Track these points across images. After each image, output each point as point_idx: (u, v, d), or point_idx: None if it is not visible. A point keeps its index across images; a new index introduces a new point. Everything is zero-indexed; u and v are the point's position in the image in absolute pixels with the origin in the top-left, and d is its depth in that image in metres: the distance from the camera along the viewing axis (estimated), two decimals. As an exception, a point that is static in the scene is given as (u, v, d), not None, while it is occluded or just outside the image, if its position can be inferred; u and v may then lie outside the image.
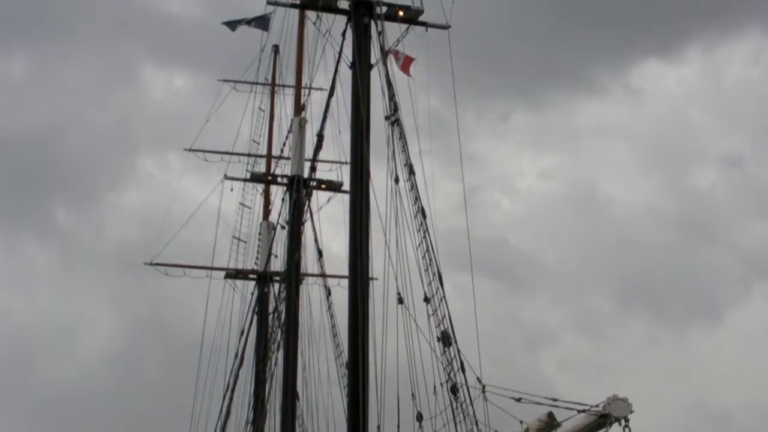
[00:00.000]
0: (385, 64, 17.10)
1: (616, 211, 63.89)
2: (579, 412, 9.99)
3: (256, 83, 34.79)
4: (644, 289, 60.14)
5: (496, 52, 58.89)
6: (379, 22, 17.23)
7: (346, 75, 17.59)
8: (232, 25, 29.83)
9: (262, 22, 29.37)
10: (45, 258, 64.58)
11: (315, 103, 24.64)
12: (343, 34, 17.64)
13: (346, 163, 27.12)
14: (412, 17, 17.71)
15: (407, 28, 17.76)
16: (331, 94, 18.09)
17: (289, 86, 32.46)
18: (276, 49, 35.25)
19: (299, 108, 26.19)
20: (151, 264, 31.97)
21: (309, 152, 23.94)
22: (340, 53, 17.55)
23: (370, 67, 17.01)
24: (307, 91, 25.61)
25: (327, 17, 17.90)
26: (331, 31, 17.91)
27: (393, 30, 17.68)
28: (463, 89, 17.02)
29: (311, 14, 18.50)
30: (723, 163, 65.42)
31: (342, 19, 17.65)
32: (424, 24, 17.79)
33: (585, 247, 62.93)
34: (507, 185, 65.79)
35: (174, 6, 73.81)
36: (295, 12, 26.49)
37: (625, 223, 63.00)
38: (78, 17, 70.57)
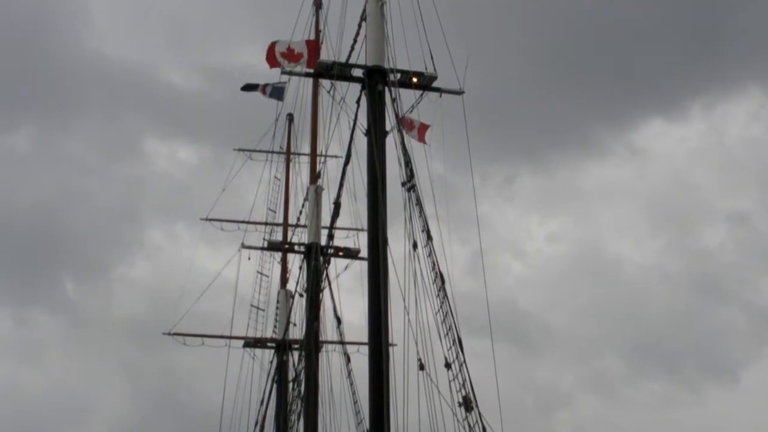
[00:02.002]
0: (400, 131, 17.21)
1: (625, 271, 63.94)
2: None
3: (272, 152, 35.22)
4: (657, 349, 59.74)
5: (500, 115, 59.73)
6: (393, 89, 17.39)
7: (361, 142, 17.81)
8: (250, 89, 30.23)
9: (276, 92, 29.84)
10: (54, 331, 65.00)
11: (331, 170, 24.88)
12: (358, 102, 17.79)
13: (362, 230, 27.30)
14: (426, 83, 17.90)
15: (421, 95, 17.95)
16: (346, 162, 18.18)
17: (305, 154, 32.92)
18: (290, 117, 35.62)
19: (315, 176, 26.41)
20: (169, 334, 31.91)
21: (325, 220, 24.06)
22: (354, 121, 17.68)
23: (385, 134, 17.13)
24: (322, 159, 25.79)
25: (341, 85, 18.13)
26: (346, 99, 18.13)
27: (407, 95, 17.95)
28: (465, 153, 17.26)
29: (325, 83, 18.56)
30: (730, 221, 65.61)
31: (356, 87, 17.85)
32: (438, 90, 17.96)
33: (595, 308, 62.94)
34: (515, 248, 66.08)
35: (175, 78, 75.49)
36: (309, 81, 27.03)
37: (634, 283, 63.07)
38: (80, 91, 72.24)
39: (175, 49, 75.08)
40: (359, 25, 18.24)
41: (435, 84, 18.05)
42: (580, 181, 69.75)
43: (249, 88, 29.90)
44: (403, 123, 17.71)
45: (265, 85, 30.08)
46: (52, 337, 63.73)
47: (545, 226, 69.90)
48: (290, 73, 18.84)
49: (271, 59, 18.53)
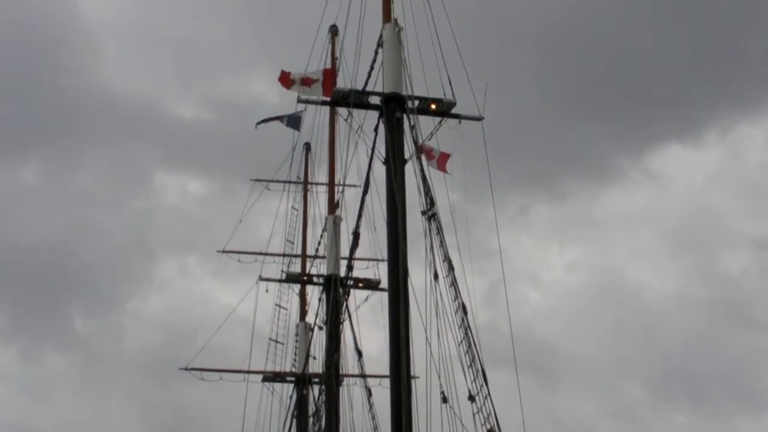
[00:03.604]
0: (419, 158, 17.13)
1: (646, 298, 63.32)
2: None
3: (289, 182, 35.09)
4: (682, 378, 59.02)
5: (514, 142, 59.65)
6: (411, 116, 17.35)
7: (379, 171, 17.76)
8: (265, 122, 30.19)
9: (293, 121, 29.74)
10: (65, 367, 64.40)
11: (349, 200, 24.75)
12: (376, 130, 17.75)
13: (382, 260, 27.06)
14: (444, 110, 17.84)
15: (440, 121, 17.88)
16: (365, 191, 18.09)
17: (322, 184, 32.80)
18: (307, 147, 35.56)
19: (333, 206, 26.33)
20: (186, 369, 31.75)
21: (344, 251, 23.83)
22: (373, 149, 17.63)
23: (404, 161, 17.04)
24: (340, 188, 25.67)
25: (359, 113, 18.13)
26: (363, 127, 18.12)
27: (425, 123, 17.91)
28: (482, 181, 17.20)
29: (342, 111, 18.54)
30: (753, 246, 64.90)
31: (374, 115, 17.82)
32: (457, 116, 17.89)
33: (616, 336, 62.32)
34: (533, 278, 65.62)
35: (185, 109, 75.93)
36: (326, 109, 27.02)
37: (655, 310, 62.42)
38: (89, 124, 72.49)
39: (185, 81, 75.69)
40: (376, 52, 18.24)
41: (454, 110, 18.00)
42: (597, 208, 69.49)
43: (263, 122, 29.86)
44: (421, 151, 17.58)
45: (282, 117, 30.06)
46: (62, 374, 63.48)
47: (563, 256, 69.56)
48: (307, 102, 18.82)
49: (285, 80, 18.49)
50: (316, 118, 28.60)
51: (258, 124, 29.54)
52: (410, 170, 17.25)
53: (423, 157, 17.43)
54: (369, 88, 18.12)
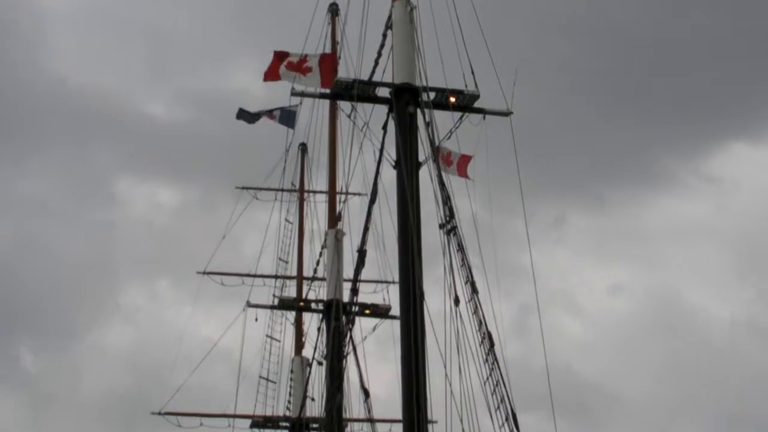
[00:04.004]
0: (436, 161, 17.27)
1: (706, 326, 63.26)
2: None
3: (282, 190, 35.37)
4: (751, 421, 58.56)
5: (546, 143, 59.72)
6: (426, 110, 17.50)
7: (389, 176, 17.94)
8: (249, 117, 30.01)
9: (286, 117, 29.76)
10: (10, 412, 63.62)
11: (353, 211, 24.87)
12: (384, 128, 17.92)
13: (393, 282, 27.24)
14: (466, 103, 18.07)
15: (461, 117, 18.08)
16: (372, 201, 18.20)
17: (322, 192, 33.14)
18: (303, 148, 35.89)
19: (334, 218, 26.50)
20: (160, 413, 31.86)
21: (348, 271, 24.05)
22: (381, 151, 17.77)
23: (419, 165, 17.17)
24: (342, 197, 25.85)
25: (364, 108, 18.33)
26: (370, 125, 18.24)
27: (443, 119, 18.07)
28: (509, 188, 17.39)
29: (345, 105, 18.72)
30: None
31: (382, 110, 18.02)
32: (481, 111, 18.10)
33: (672, 372, 62.04)
34: (571, 303, 65.44)
35: (156, 107, 76.61)
36: (325, 104, 27.22)
37: (719, 341, 62.11)
38: (38, 123, 72.97)
39: (156, 72, 76.55)
40: (384, 35, 18.47)
41: (477, 104, 18.23)
42: (646, 218, 69.50)
43: (245, 116, 29.61)
44: (439, 152, 17.78)
45: (273, 110, 29.92)
46: (8, 418, 63.49)
47: (606, 276, 69.68)
48: (302, 95, 18.97)
49: (272, 72, 18.69)
50: (314, 113, 28.90)
51: (240, 116, 29.37)
52: (425, 175, 17.38)
53: (440, 160, 17.63)
54: (376, 78, 18.29)
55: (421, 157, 17.44)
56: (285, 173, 34.15)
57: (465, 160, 18.33)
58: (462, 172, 18.32)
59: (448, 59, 18.24)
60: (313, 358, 26.83)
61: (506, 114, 18.12)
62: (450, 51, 18.30)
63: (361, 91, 17.93)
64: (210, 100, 68.90)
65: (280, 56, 19.00)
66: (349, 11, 20.58)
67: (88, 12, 77.89)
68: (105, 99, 73.73)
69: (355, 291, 20.88)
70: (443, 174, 17.40)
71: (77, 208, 73.85)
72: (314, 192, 35.23)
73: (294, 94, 18.85)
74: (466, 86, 18.10)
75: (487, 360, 15.56)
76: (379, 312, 25.70)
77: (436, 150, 17.48)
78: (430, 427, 15.73)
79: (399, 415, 16.03)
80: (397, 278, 17.03)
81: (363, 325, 25.59)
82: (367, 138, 18.25)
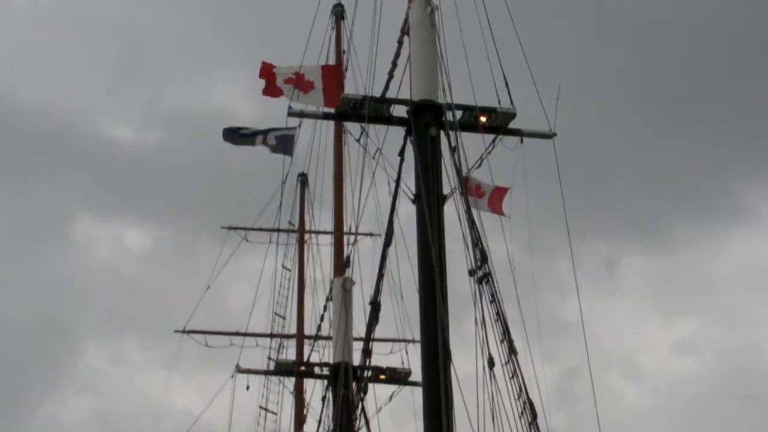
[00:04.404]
0: (464, 194, 17.30)
1: (792, 395, 62.29)
2: None
3: (278, 230, 35.42)
4: None
5: (594, 169, 59.50)
6: (452, 133, 17.53)
7: (407, 213, 17.96)
8: (238, 137, 29.96)
9: (282, 143, 29.87)
10: None
11: (364, 255, 24.90)
12: (401, 154, 18.01)
13: (413, 341, 27.23)
14: (500, 124, 18.14)
15: (494, 141, 18.14)
16: (387, 243, 18.11)
17: (326, 233, 33.24)
18: (303, 180, 35.98)
19: (341, 264, 26.53)
20: None
21: (358, 328, 24.03)
22: (397, 182, 17.77)
23: (443, 199, 17.18)
24: (351, 239, 25.86)
25: (376, 130, 18.36)
26: (383, 151, 18.29)
27: (472, 143, 18.13)
28: (550, 225, 17.40)
29: (353, 127, 18.77)
30: None
31: (398, 133, 18.10)
32: (518, 133, 18.18)
33: (752, 447, 61.24)
34: (628, 365, 64.93)
35: (122, 131, 76.59)
36: (330, 126, 27.49)
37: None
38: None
39: (122, 89, 76.74)
40: (400, 43, 18.59)
41: (513, 124, 18.31)
42: (718, 261, 69.06)
43: (233, 136, 29.54)
44: (467, 184, 17.83)
45: (266, 132, 29.94)
46: None
47: (671, 331, 69.25)
48: (301, 115, 19.05)
49: (271, 86, 18.77)
50: (316, 138, 29.04)
51: (227, 137, 29.32)
52: (451, 212, 17.35)
53: (469, 193, 17.82)
54: (391, 94, 18.40)
55: (446, 190, 17.43)
56: (281, 210, 34.26)
57: (499, 192, 18.37)
58: (495, 208, 18.34)
59: (477, 71, 18.40)
60: (318, 434, 26.72)
61: (549, 136, 18.17)
62: (479, 61, 18.43)
63: (372, 110, 17.94)
64: (188, 121, 69.42)
65: (271, 68, 19.09)
66: (358, 14, 20.72)
67: (38, 13, 78.46)
68: (59, 119, 74.22)
69: (367, 352, 20.83)
70: (473, 210, 17.42)
71: (26, 253, 73.89)
72: (317, 232, 35.39)
73: (291, 114, 18.79)
74: (499, 103, 18.16)
75: (528, 435, 15.49)
76: (397, 377, 25.67)
77: (464, 181, 17.50)
78: None
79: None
80: (417, 336, 17.08)
81: (377, 393, 25.59)
82: (380, 167, 18.30)
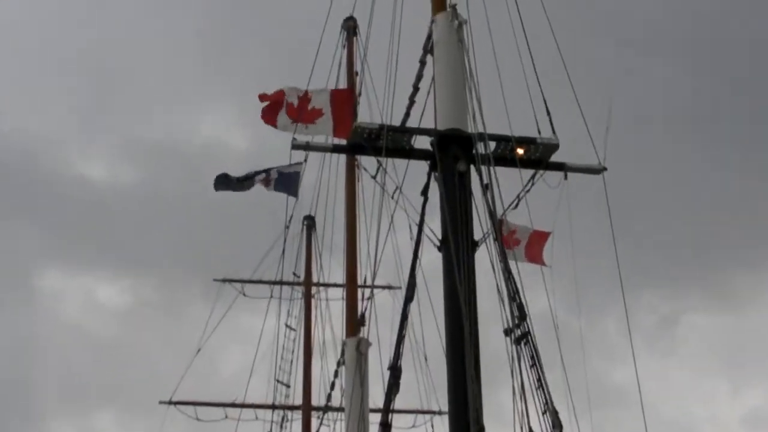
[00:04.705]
0: (499, 239, 17.15)
1: None
2: None
3: (281, 283, 35.29)
4: None
5: (647, 208, 59.23)
6: (484, 168, 17.49)
7: (432, 263, 17.79)
8: (233, 185, 29.82)
9: (285, 182, 29.65)
10: None
11: (382, 312, 24.74)
12: (425, 193, 17.88)
13: (440, 413, 27.07)
14: (540, 156, 18.13)
15: (533, 176, 18.14)
16: (409, 298, 17.87)
17: (336, 286, 33.04)
18: (310, 223, 35.91)
19: (355, 323, 26.51)
20: None
21: (376, 398, 23.83)
22: (420, 226, 17.61)
23: (474, 246, 17.06)
24: (367, 292, 25.75)
25: (395, 165, 18.38)
26: (403, 189, 18.19)
27: (507, 179, 18.03)
28: (597, 276, 17.29)
29: (368, 162, 18.78)
30: None
31: (420, 168, 18.03)
32: (561, 167, 18.19)
33: None
34: (689, 440, 64.49)
35: (93, 168, 76.51)
36: (340, 161, 27.65)
37: None
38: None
39: (94, 120, 76.82)
40: (422, 62, 18.65)
41: (555, 156, 18.34)
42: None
43: (229, 183, 29.35)
44: (501, 229, 17.75)
45: (267, 172, 29.86)
46: None
47: (739, 400, 68.77)
48: (307, 148, 18.77)
49: (270, 111, 18.71)
50: (324, 174, 29.06)
51: (219, 186, 29.25)
52: (483, 261, 17.23)
53: (504, 239, 17.61)
54: (412, 123, 18.47)
55: (477, 235, 17.35)
56: (284, 259, 33.97)
57: (538, 238, 18.35)
58: (534, 256, 18.33)
59: (513, 95, 18.42)
60: None
61: (598, 171, 18.19)
62: (515, 83, 18.49)
63: (391, 142, 17.92)
64: (173, 155, 69.38)
65: (272, 96, 19.11)
66: (373, 29, 20.68)
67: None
68: (22, 156, 74.05)
69: (386, 426, 20.65)
70: (509, 260, 17.28)
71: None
72: (326, 285, 35.20)
73: (296, 147, 18.56)
74: (539, 132, 18.18)
75: None
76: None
77: (499, 224, 17.40)
78: None
79: None
80: (444, 407, 17.06)
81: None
82: (400, 208, 18.21)
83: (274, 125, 19.15)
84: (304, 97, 19.04)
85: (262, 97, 19.12)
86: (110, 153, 78.23)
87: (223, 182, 29.20)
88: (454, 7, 18.40)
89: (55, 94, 78.15)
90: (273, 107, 19.25)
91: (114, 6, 77.79)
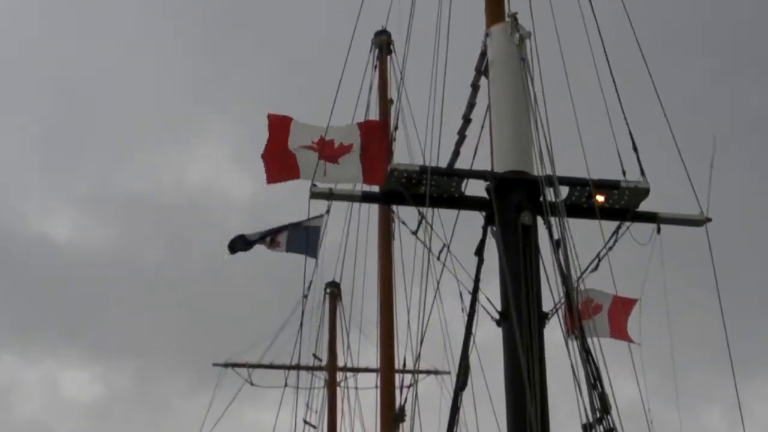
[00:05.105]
0: (574, 310, 16.96)
1: None
2: None
3: (297, 368, 34.96)
4: None
5: (756, 268, 59.34)
6: (554, 220, 17.31)
7: (490, 341, 17.61)
8: (243, 244, 29.73)
9: (302, 241, 29.36)
10: None
11: (426, 403, 24.58)
12: (479, 252, 17.70)
13: None
14: (626, 205, 17.96)
15: (617, 229, 18.00)
16: (461, 385, 17.66)
17: (368, 371, 32.83)
18: (335, 290, 35.79)
19: (391, 417, 25.73)
20: None
21: None
22: (474, 295, 17.40)
23: (543, 320, 16.84)
24: (406, 378, 25.52)
25: (441, 218, 18.23)
26: (452, 248, 18.04)
27: (582, 231, 17.90)
28: (699, 352, 17.15)
29: (407, 214, 18.46)
30: None
31: (474, 220, 17.78)
32: (653, 218, 18.02)
33: None
34: None
35: (57, 227, 76.37)
36: (371, 212, 27.82)
37: None
38: None
39: (61, 168, 76.85)
40: (474, 86, 18.61)
41: (644, 205, 18.18)
42: None
43: (241, 244, 29.28)
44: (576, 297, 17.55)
45: (278, 230, 29.71)
46: None
47: None
48: (330, 197, 18.64)
49: (271, 168, 18.52)
50: (350, 228, 29.09)
51: (232, 250, 29.17)
52: (554, 336, 17.22)
53: (580, 310, 17.60)
54: (462, 164, 18.33)
55: (546, 305, 17.17)
56: (301, 337, 33.59)
57: (623, 307, 18.04)
58: (619, 330, 17.96)
59: (589, 128, 18.61)
60: None
61: (700, 222, 18.04)
62: (591, 113, 18.72)
63: (436, 188, 17.76)
64: (154, 209, 69.31)
65: (281, 127, 18.97)
66: (411, 45, 20.62)
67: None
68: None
69: None
70: (587, 335, 16.96)
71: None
72: (355, 370, 35.00)
73: (316, 195, 18.46)
74: (624, 174, 18.05)
75: None
76: None
77: (575, 292, 17.19)
78: None
79: None
80: None
81: None
82: (448, 271, 18.02)
83: (281, 178, 18.92)
84: (325, 139, 18.86)
85: (273, 127, 18.83)
86: (77, 207, 78.33)
87: (239, 243, 29.13)
88: (514, 16, 18.37)
89: (10, 131, 78.63)
90: (280, 154, 19.09)
91: (89, 26, 77.82)
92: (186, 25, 73.29)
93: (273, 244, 29.41)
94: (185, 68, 73.56)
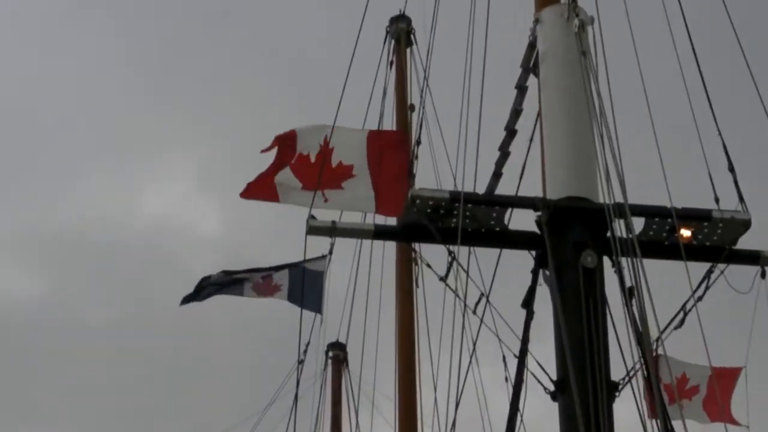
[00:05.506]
0: (653, 380, 16.24)
1: None
2: None
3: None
4: None
5: None
6: (626, 260, 16.79)
7: (539, 411, 17.53)
8: (207, 291, 29.09)
9: (302, 289, 28.72)
10: None
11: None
12: (527, 304, 17.20)
13: None
14: (719, 241, 17.62)
15: (708, 272, 17.73)
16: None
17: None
18: (339, 353, 35.34)
19: None
20: None
21: None
22: (522, 359, 16.86)
23: (614, 391, 16.31)
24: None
25: (477, 259, 18.20)
26: (491, 298, 17.79)
27: (659, 275, 17.44)
28: None
29: (432, 254, 18.22)
30: None
31: (520, 261, 17.35)
32: (755, 259, 17.81)
33: None
34: None
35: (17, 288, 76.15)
36: (388, 250, 27.70)
37: None
38: None
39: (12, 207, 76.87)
40: (520, 87, 18.54)
41: (743, 242, 17.92)
42: None
43: (202, 292, 28.76)
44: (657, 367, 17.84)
45: (272, 271, 29.10)
46: None
47: None
48: (333, 233, 18.14)
49: (261, 187, 18.33)
50: (359, 271, 28.88)
51: (186, 300, 28.63)
52: (627, 412, 16.61)
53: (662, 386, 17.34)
54: (504, 190, 18.22)
55: (617, 374, 16.65)
56: (296, 413, 33.26)
57: (725, 379, 17.20)
58: (718, 413, 17.24)
59: (670, 144, 18.30)
60: None
61: None
62: (670, 122, 18.71)
63: (471, 221, 17.34)
64: (108, 250, 69.26)
65: (283, 144, 19.07)
66: (437, 34, 20.56)
67: None
68: None
69: None
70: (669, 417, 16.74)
71: None
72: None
73: (314, 231, 18.09)
74: (717, 202, 17.61)
75: None
76: None
77: (652, 357, 16.58)
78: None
79: None
80: None
81: None
82: (486, 329, 17.73)
83: (263, 197, 18.44)
84: (324, 148, 18.33)
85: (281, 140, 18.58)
86: (17, 254, 78.40)
87: (192, 296, 28.69)
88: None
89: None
90: (269, 176, 18.81)
91: (31, 29, 78.26)
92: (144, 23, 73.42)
93: (267, 290, 28.79)
94: (138, 71, 73.67)
